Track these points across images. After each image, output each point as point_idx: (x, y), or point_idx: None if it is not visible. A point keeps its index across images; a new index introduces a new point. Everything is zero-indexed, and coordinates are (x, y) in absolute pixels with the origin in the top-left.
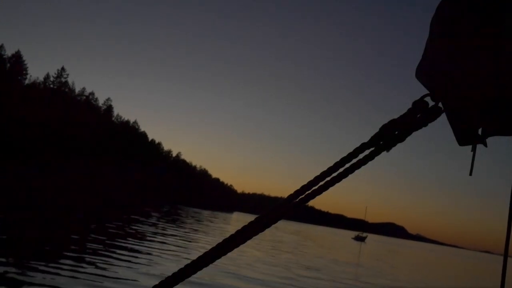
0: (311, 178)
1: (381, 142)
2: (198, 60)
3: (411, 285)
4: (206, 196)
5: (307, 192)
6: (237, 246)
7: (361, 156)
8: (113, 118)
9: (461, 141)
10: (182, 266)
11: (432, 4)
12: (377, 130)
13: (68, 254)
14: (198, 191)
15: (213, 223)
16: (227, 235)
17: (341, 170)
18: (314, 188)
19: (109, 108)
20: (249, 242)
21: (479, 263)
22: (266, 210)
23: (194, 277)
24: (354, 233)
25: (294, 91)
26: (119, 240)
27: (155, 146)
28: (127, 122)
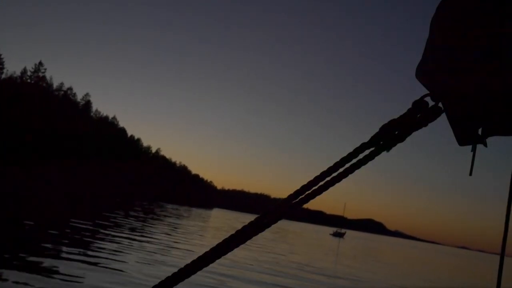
0: (310, 178)
1: (381, 142)
2: (178, 58)
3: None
4: (186, 193)
5: (307, 192)
6: (237, 246)
7: (361, 156)
8: (91, 114)
9: (461, 141)
10: (182, 266)
11: (432, 4)
12: (377, 130)
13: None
14: (178, 187)
15: (181, 220)
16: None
17: (341, 170)
18: (314, 188)
19: (88, 104)
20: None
21: (457, 259)
22: (266, 210)
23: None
24: (333, 229)
25: (275, 90)
26: (71, 242)
27: (134, 142)
28: (106, 117)
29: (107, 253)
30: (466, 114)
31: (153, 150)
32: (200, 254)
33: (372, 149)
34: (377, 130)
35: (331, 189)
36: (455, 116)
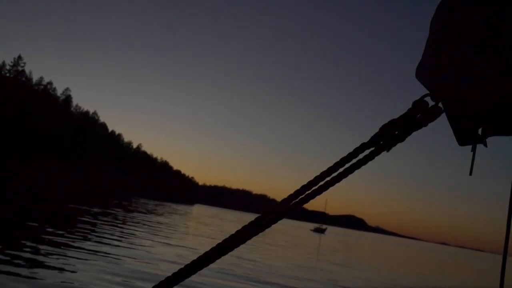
0: (307, 177)
1: (381, 142)
2: (161, 54)
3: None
4: (167, 188)
5: (307, 192)
6: (237, 246)
7: (361, 156)
8: (71, 109)
9: (461, 141)
10: (182, 266)
11: (432, 4)
12: (377, 130)
13: None
14: (159, 183)
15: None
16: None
17: (341, 170)
18: (314, 188)
19: (68, 99)
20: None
21: (438, 254)
22: (266, 210)
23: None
24: (314, 225)
25: (258, 87)
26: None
27: (115, 138)
28: (87, 112)
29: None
30: (466, 114)
31: (134, 146)
32: (200, 254)
33: (372, 149)
34: (377, 130)
35: (330, 189)
36: (455, 116)
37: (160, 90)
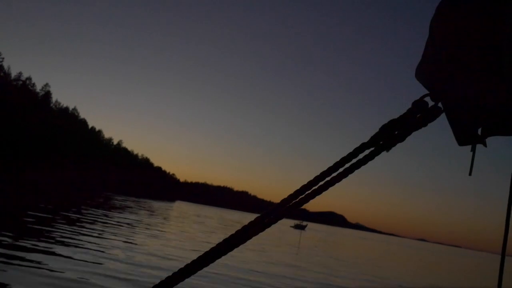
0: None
1: (381, 142)
2: (141, 50)
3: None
4: (147, 185)
5: (307, 192)
6: (237, 246)
7: (361, 156)
8: (51, 105)
9: (461, 141)
10: (182, 266)
11: (432, 4)
12: (377, 130)
13: None
14: (139, 180)
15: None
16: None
17: (341, 170)
18: (314, 188)
19: (47, 94)
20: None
21: (417, 251)
22: (267, 210)
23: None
24: (294, 222)
25: (240, 84)
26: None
27: (95, 134)
28: (66, 108)
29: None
30: (466, 114)
31: (115, 142)
32: (201, 254)
33: (372, 149)
34: (377, 130)
35: (330, 189)
36: (455, 116)
37: (141, 87)
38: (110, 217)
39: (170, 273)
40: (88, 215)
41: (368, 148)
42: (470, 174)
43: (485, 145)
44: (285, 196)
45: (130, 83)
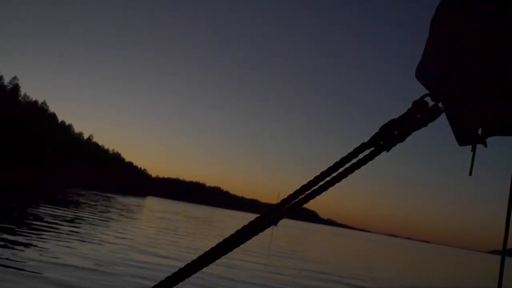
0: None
1: (381, 142)
2: (111, 44)
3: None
4: (118, 181)
5: (307, 192)
6: (237, 246)
7: (361, 156)
8: (19, 98)
9: (461, 141)
10: (182, 266)
11: (432, 4)
12: (377, 130)
13: None
14: (110, 175)
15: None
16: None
17: (341, 170)
18: (314, 188)
19: (16, 87)
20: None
21: (388, 246)
22: (267, 210)
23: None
24: None
25: (213, 80)
26: None
27: (65, 128)
28: (35, 102)
29: None
30: (466, 114)
31: (85, 137)
32: (201, 254)
33: (372, 149)
34: (377, 130)
35: (330, 189)
36: (455, 116)
37: (113, 81)
38: (54, 216)
39: (170, 273)
40: (33, 213)
41: (368, 148)
42: (470, 174)
43: (485, 145)
44: (286, 196)
45: (102, 78)
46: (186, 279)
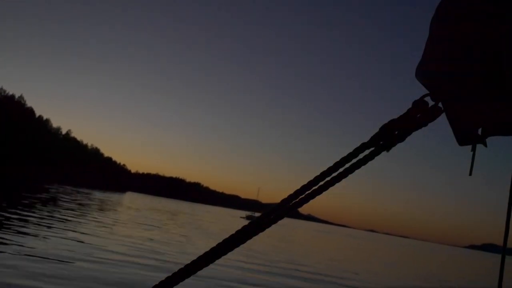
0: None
1: (381, 142)
2: (90, 39)
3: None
4: (97, 176)
5: (307, 192)
6: (237, 246)
7: (361, 156)
8: None
9: (461, 141)
10: (182, 266)
11: (432, 4)
12: (377, 130)
13: None
14: (89, 171)
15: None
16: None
17: (341, 170)
18: (314, 188)
19: None
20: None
21: (368, 241)
22: (267, 210)
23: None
24: (245, 213)
25: (187, 72)
26: None
27: (43, 123)
28: (12, 96)
29: None
30: (466, 114)
31: (63, 132)
32: (201, 254)
33: (372, 149)
34: (377, 130)
35: (330, 189)
36: (455, 116)
37: (92, 76)
38: (12, 213)
39: (170, 273)
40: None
41: (368, 148)
42: (470, 174)
43: (485, 145)
44: (286, 196)
45: (81, 72)
46: (186, 279)
